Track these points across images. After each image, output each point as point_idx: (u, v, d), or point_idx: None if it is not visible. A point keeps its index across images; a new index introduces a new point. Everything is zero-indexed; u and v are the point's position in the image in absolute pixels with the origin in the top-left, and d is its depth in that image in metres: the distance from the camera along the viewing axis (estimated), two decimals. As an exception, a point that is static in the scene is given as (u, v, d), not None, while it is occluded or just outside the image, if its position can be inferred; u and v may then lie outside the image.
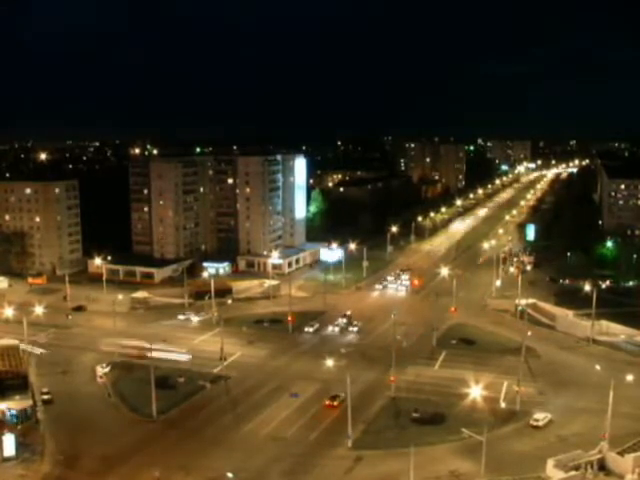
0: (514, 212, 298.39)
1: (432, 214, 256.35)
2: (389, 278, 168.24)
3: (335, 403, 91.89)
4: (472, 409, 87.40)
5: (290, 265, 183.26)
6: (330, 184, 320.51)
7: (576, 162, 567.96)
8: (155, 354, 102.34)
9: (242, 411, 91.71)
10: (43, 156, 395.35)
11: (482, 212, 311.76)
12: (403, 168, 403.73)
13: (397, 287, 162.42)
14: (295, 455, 79.47)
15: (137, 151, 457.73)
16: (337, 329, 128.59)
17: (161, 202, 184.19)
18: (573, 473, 67.67)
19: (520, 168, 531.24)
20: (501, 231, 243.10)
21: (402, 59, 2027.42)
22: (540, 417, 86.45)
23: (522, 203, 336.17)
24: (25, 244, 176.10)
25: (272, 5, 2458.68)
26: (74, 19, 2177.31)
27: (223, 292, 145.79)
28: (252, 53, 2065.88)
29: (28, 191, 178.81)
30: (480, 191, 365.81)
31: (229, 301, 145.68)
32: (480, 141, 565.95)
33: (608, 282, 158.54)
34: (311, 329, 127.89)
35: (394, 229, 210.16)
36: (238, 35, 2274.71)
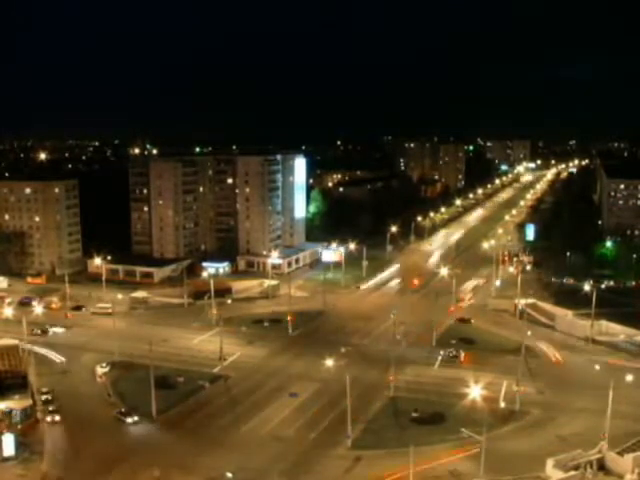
0: (514, 212, 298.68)
1: (432, 214, 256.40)
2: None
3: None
4: (471, 409, 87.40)
5: (290, 265, 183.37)
6: (330, 184, 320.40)
7: (576, 162, 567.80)
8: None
9: (242, 411, 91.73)
10: (43, 156, 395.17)
11: (482, 212, 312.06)
12: (403, 168, 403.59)
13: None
14: (295, 455, 79.52)
15: (137, 151, 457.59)
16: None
17: (161, 202, 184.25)
18: (572, 473, 67.66)
19: (520, 168, 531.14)
20: (501, 231, 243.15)
21: (401, 58, 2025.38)
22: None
23: (522, 203, 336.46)
24: (25, 244, 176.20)
25: (272, 4, 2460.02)
26: (75, 17, 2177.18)
27: (223, 292, 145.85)
28: (252, 53, 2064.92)
29: (28, 191, 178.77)
30: (480, 191, 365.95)
31: (229, 301, 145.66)
32: (480, 141, 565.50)
33: (612, 282, 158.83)
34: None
35: (394, 229, 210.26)
36: (237, 34, 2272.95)
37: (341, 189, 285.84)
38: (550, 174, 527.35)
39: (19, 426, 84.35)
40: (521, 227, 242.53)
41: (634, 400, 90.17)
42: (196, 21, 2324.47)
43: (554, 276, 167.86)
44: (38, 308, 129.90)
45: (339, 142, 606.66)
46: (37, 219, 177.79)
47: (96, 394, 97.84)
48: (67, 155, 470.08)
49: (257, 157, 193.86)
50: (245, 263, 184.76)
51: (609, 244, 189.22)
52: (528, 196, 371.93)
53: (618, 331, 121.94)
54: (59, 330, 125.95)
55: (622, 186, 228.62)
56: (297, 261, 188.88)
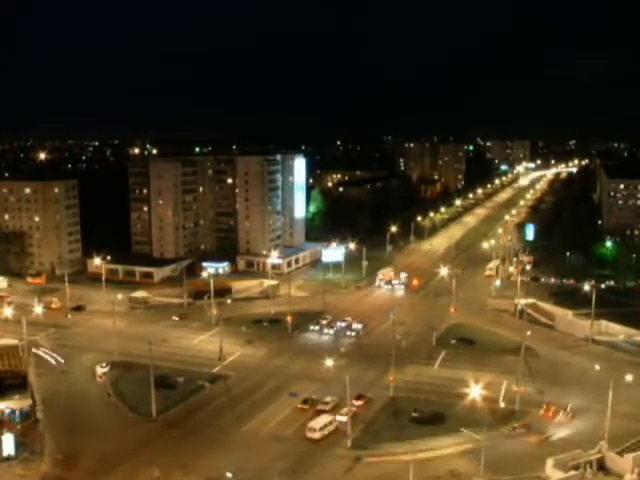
0: (514, 212, 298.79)
1: (431, 214, 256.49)
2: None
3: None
4: (471, 409, 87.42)
5: (289, 265, 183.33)
6: (330, 184, 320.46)
7: (575, 162, 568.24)
8: None
9: (241, 411, 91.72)
10: (43, 156, 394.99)
11: (482, 212, 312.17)
12: (403, 168, 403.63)
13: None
14: (294, 455, 79.50)
15: (137, 151, 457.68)
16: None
17: (160, 202, 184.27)
18: (572, 473, 67.65)
19: (519, 168, 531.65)
20: (501, 231, 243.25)
21: (402, 58, 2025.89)
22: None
23: (521, 203, 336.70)
24: (24, 244, 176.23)
25: (272, 5, 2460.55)
26: (75, 17, 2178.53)
27: (222, 292, 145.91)
28: (251, 51, 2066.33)
29: (27, 191, 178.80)
30: (479, 191, 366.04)
31: (228, 301, 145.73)
32: (479, 141, 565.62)
33: (612, 282, 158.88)
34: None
35: (393, 229, 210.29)
36: (237, 32, 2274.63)
37: (341, 189, 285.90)
38: (550, 174, 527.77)
39: (19, 426, 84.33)
40: (521, 227, 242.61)
41: (634, 400, 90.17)
42: (196, 21, 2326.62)
43: (554, 276, 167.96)
44: (38, 308, 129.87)
45: (339, 142, 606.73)
46: (37, 219, 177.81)
47: (96, 394, 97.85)
48: (67, 155, 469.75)
49: (257, 157, 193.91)
50: (245, 263, 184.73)
51: (609, 244, 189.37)
52: (528, 196, 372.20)
53: (618, 331, 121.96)
54: None
55: (622, 186, 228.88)
56: (297, 261, 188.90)
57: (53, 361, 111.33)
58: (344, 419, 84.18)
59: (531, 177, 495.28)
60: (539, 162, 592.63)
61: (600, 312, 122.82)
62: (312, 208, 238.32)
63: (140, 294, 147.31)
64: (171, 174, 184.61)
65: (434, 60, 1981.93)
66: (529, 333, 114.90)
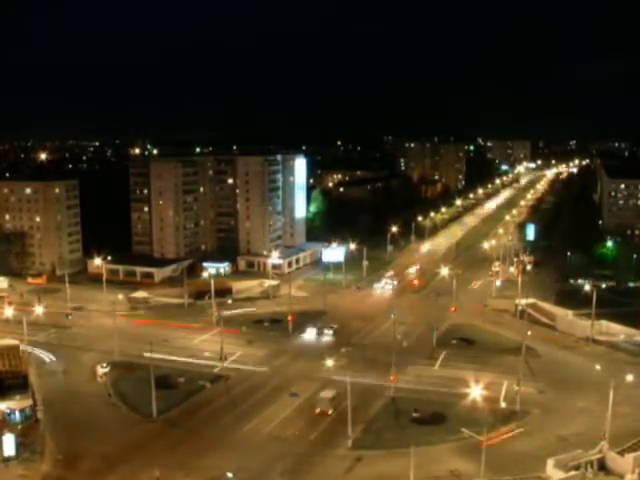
0: (514, 212, 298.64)
1: (432, 214, 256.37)
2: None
3: None
4: (472, 409, 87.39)
5: (290, 265, 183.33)
6: (330, 184, 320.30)
7: (576, 162, 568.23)
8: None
9: (242, 411, 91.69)
10: (43, 156, 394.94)
11: (482, 212, 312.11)
12: (403, 168, 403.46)
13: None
14: (295, 455, 79.48)
15: (137, 151, 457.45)
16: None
17: (161, 202, 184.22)
18: (573, 473, 67.67)
19: (520, 168, 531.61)
20: (501, 231, 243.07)
21: (402, 57, 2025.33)
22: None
23: (522, 203, 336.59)
24: (25, 244, 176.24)
25: (271, 3, 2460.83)
26: (74, 17, 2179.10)
27: (223, 292, 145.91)
28: (250, 51, 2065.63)
29: (28, 191, 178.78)
30: (480, 191, 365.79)
31: (229, 301, 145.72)
32: (480, 141, 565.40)
33: (613, 283, 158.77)
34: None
35: (394, 229, 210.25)
36: (236, 34, 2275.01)
37: (341, 189, 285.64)
38: (550, 174, 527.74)
39: (19, 426, 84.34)
40: (521, 227, 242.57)
41: (634, 400, 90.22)
42: (196, 21, 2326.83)
43: (554, 276, 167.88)
44: (38, 308, 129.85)
45: (339, 142, 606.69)
46: (37, 219, 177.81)
47: (96, 394, 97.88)
48: (67, 155, 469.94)
49: (257, 157, 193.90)
50: (245, 263, 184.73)
51: (609, 244, 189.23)
52: (528, 196, 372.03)
53: (618, 331, 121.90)
54: None
55: (622, 186, 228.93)
56: (297, 261, 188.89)
57: (47, 359, 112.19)
58: None
59: (527, 179, 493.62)
60: (540, 162, 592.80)
61: (600, 312, 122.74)
62: (313, 208, 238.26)
63: (140, 294, 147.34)
64: (172, 174, 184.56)
65: (434, 60, 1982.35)
66: (530, 333, 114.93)
